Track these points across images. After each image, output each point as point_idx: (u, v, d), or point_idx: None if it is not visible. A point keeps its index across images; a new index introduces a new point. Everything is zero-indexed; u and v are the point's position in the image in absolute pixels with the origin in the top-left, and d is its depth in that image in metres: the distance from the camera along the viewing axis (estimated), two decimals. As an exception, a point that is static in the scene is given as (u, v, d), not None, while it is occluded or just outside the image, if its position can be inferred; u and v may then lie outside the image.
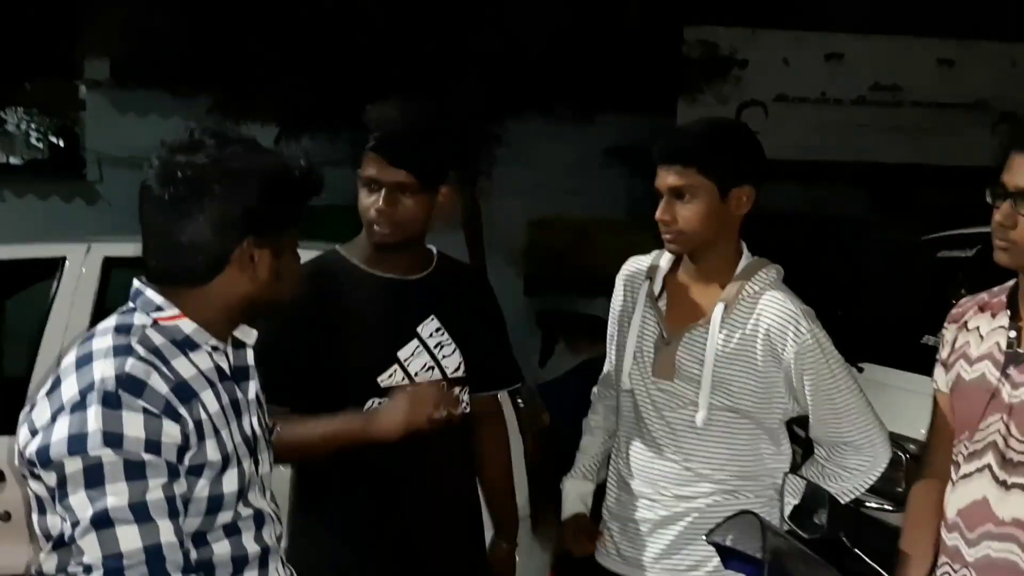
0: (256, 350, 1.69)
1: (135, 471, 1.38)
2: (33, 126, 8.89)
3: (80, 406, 1.40)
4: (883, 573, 1.79)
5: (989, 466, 1.80)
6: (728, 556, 1.74)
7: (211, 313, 1.54)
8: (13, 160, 8.76)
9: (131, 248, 3.88)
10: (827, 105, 8.27)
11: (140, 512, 1.37)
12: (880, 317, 4.72)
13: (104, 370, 1.42)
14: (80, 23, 7.81)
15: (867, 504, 3.61)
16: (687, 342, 2.11)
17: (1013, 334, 1.81)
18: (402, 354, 2.13)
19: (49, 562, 1.46)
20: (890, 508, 3.53)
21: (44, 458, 1.39)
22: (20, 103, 8.83)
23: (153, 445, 1.40)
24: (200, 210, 1.48)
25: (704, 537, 1.78)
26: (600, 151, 8.32)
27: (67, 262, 3.41)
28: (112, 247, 3.50)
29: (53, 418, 1.42)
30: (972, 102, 8.28)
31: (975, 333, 1.92)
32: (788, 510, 1.87)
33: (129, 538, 1.36)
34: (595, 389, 2.42)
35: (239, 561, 1.54)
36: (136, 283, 1.56)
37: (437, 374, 2.15)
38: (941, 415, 2.00)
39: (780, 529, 1.84)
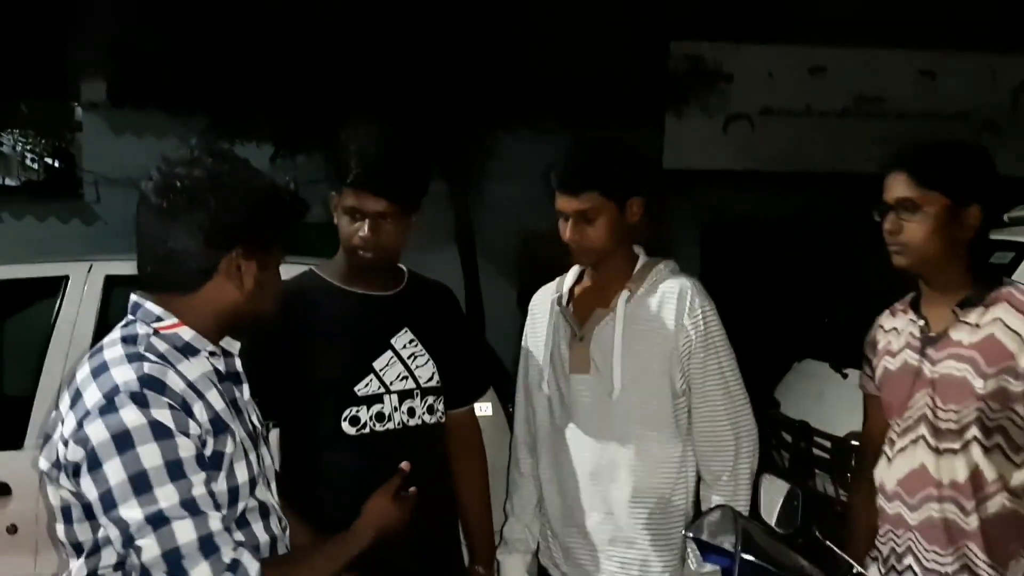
0: (244, 367, 1.78)
1: (177, 471, 1.47)
2: (30, 147, 8.96)
3: (110, 408, 1.48)
4: (853, 563, 1.87)
5: (923, 437, 2.03)
6: (705, 549, 1.83)
7: (203, 320, 1.63)
8: (10, 181, 8.83)
9: (133, 266, 3.96)
10: (811, 117, 8.39)
11: (191, 507, 1.47)
12: (865, 324, 4.81)
13: (124, 374, 1.52)
14: (76, 45, 7.89)
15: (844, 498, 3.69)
16: (597, 334, 2.28)
17: (922, 322, 2.10)
18: (377, 365, 2.23)
19: (80, 571, 1.56)
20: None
21: (92, 462, 1.47)
22: (17, 125, 8.90)
23: (183, 434, 1.50)
24: (194, 220, 1.58)
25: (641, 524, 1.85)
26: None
27: (70, 280, 3.49)
28: (114, 265, 3.57)
29: (80, 424, 1.50)
30: (954, 113, 8.38)
31: (892, 332, 2.19)
32: (763, 507, 1.96)
33: (185, 531, 1.46)
34: (514, 436, 2.50)
35: (252, 550, 1.62)
36: (134, 297, 1.65)
37: (411, 383, 2.26)
38: (871, 415, 2.26)
39: (754, 523, 1.93)
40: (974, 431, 1.98)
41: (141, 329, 1.60)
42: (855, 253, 7.40)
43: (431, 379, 2.28)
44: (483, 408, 3.49)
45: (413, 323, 2.28)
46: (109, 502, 1.46)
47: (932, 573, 2.02)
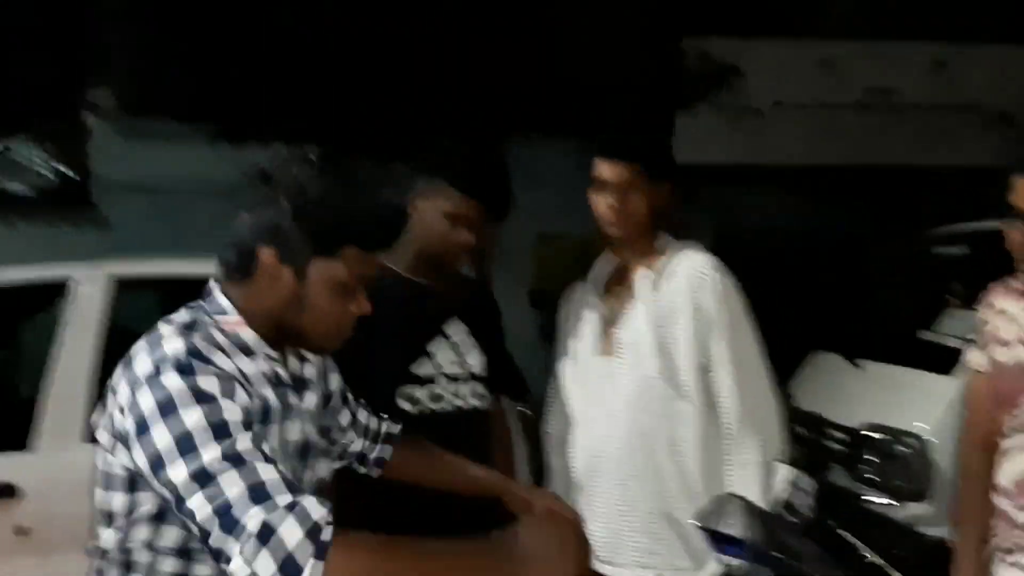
0: None
1: (222, 431, 1.44)
2: (41, 155, 8.98)
3: (156, 375, 1.47)
4: (863, 549, 1.84)
5: None
6: (715, 539, 1.79)
7: (257, 319, 1.63)
8: (22, 189, 8.85)
9: (139, 267, 3.96)
10: (823, 110, 8.32)
11: (236, 460, 1.41)
12: (878, 314, 4.77)
13: (174, 345, 1.51)
14: (86, 53, 7.91)
15: (865, 498, 3.66)
16: (624, 317, 2.37)
17: None
18: (431, 348, 2.36)
19: (109, 539, 1.56)
20: (887, 502, 3.58)
21: (140, 429, 1.46)
22: (28, 133, 8.91)
23: (229, 399, 1.48)
24: (248, 211, 1.63)
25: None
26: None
27: (76, 283, 3.48)
28: (121, 266, 3.57)
29: (132, 393, 1.49)
30: (967, 104, 8.31)
31: (1002, 316, 2.09)
32: (775, 497, 1.93)
33: (232, 483, 1.40)
34: (547, 430, 2.58)
35: None
36: (210, 282, 1.67)
37: (460, 369, 2.38)
38: (976, 393, 2.19)
39: (765, 511, 1.89)
40: None
41: (204, 318, 1.61)
42: (868, 243, 7.38)
43: (479, 368, 2.42)
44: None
45: (464, 316, 2.42)
46: (158, 465, 1.44)
47: None
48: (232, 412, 1.46)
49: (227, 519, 1.37)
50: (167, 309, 1.59)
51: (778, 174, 8.04)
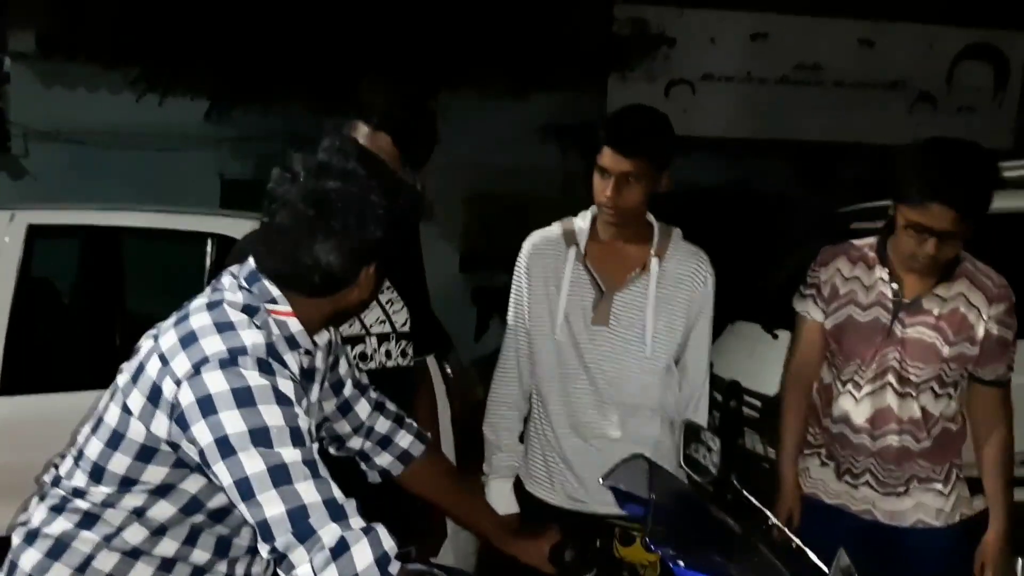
0: None
1: (298, 437, 1.45)
2: (-44, 99, 8.67)
3: (231, 363, 1.46)
4: (764, 509, 1.91)
5: (890, 383, 2.43)
6: (622, 499, 1.85)
7: (313, 319, 1.63)
8: (-65, 134, 8.55)
9: (56, 216, 3.87)
10: (751, 84, 8.42)
11: (313, 469, 1.45)
12: (796, 287, 4.87)
13: (253, 338, 1.50)
14: (5, -6, 7.65)
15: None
16: (626, 292, 2.44)
17: (895, 286, 2.41)
18: None
19: (89, 487, 1.55)
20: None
21: (206, 411, 1.44)
22: (-58, 76, 8.60)
23: (300, 408, 1.50)
24: (340, 234, 1.55)
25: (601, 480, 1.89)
26: (535, 128, 8.38)
27: (-10, 230, 3.39)
28: (37, 215, 3.49)
29: (196, 368, 1.46)
30: (891, 82, 8.49)
31: (856, 282, 2.46)
32: (682, 455, 1.98)
33: (309, 491, 1.42)
34: (501, 381, 2.57)
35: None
36: (253, 266, 1.62)
37: (388, 327, 2.35)
38: (812, 339, 2.56)
39: (668, 472, 1.95)
40: (933, 384, 2.40)
41: (257, 303, 1.57)
42: (789, 217, 7.52)
43: (405, 324, 2.38)
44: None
45: (389, 273, 2.33)
46: (223, 449, 1.42)
47: (887, 484, 2.47)
48: (303, 421, 1.49)
49: (303, 526, 1.40)
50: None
51: (705, 145, 8.13)
